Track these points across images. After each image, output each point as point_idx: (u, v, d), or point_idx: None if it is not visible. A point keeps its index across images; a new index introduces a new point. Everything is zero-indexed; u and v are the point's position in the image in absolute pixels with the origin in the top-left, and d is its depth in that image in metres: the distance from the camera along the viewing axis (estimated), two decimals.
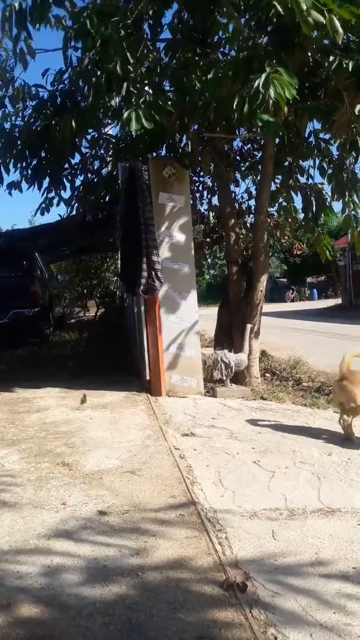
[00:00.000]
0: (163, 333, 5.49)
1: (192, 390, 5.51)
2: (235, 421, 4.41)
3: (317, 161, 5.99)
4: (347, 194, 5.68)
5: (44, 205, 6.57)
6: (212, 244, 8.12)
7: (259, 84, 3.86)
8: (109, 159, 6.76)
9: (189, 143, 5.63)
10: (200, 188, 7.58)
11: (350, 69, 4.41)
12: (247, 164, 7.04)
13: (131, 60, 4.43)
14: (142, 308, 5.62)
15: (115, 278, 15.13)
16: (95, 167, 6.96)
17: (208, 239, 7.97)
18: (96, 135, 6.52)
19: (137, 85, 4.50)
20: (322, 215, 6.27)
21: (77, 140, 6.02)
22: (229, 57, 4.95)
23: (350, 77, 4.58)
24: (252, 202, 7.20)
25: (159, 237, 5.42)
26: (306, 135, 5.89)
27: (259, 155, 6.66)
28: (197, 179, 7.44)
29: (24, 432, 4.29)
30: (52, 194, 6.49)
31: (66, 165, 6.55)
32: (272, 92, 3.84)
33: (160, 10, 5.16)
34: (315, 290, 30.95)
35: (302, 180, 6.31)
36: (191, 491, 2.92)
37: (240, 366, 5.60)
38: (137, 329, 6.39)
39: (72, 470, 3.35)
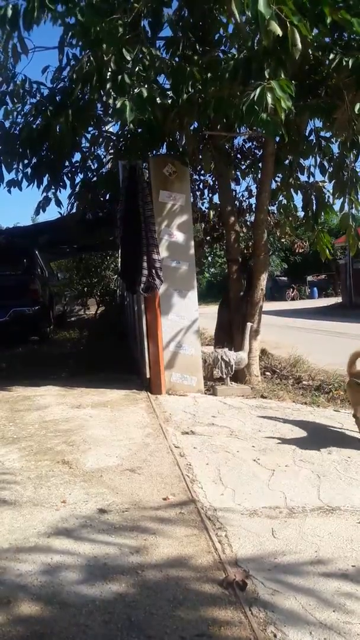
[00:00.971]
0: (163, 331, 5.49)
1: (192, 389, 5.52)
2: (235, 419, 4.41)
3: (318, 159, 5.99)
4: (347, 192, 5.68)
5: (42, 203, 6.56)
6: (213, 242, 8.12)
7: (253, 97, 3.86)
8: (109, 157, 6.76)
9: (188, 141, 5.62)
10: (200, 186, 7.58)
11: (350, 67, 4.40)
12: (247, 162, 7.04)
13: (128, 58, 4.42)
14: (142, 306, 5.62)
15: (116, 276, 15.13)
16: (96, 165, 6.96)
17: (208, 237, 7.97)
18: (96, 134, 6.51)
19: (133, 78, 4.48)
20: (322, 213, 6.26)
21: (77, 138, 6.02)
22: (229, 55, 4.94)
23: (350, 75, 4.58)
24: (253, 201, 7.21)
25: (159, 235, 5.42)
26: (307, 134, 5.88)
27: (260, 153, 6.66)
28: (197, 177, 7.44)
29: (24, 430, 4.29)
30: (51, 192, 6.49)
31: (67, 163, 6.56)
32: (269, 98, 3.84)
33: (160, 8, 5.15)
34: (315, 289, 30.91)
35: (303, 178, 6.32)
36: (191, 489, 2.93)
37: (240, 364, 5.61)
38: (137, 327, 6.39)
39: (72, 468, 3.36)
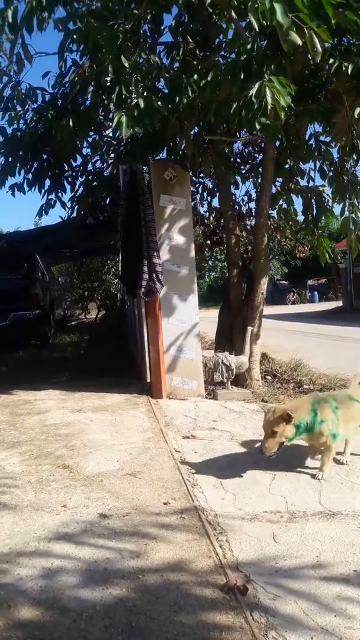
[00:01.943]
0: (163, 335, 5.49)
1: (193, 393, 5.51)
2: (236, 424, 4.40)
3: (318, 164, 6.00)
4: (347, 196, 5.69)
5: (45, 206, 6.58)
6: (213, 246, 8.14)
7: (252, 94, 3.88)
8: (110, 161, 6.78)
9: (190, 146, 5.63)
10: (200, 190, 7.60)
11: (350, 72, 4.42)
12: (247, 166, 7.06)
13: (126, 64, 4.44)
14: (143, 310, 5.62)
15: (116, 280, 15.14)
16: (97, 169, 6.99)
17: (208, 241, 7.99)
18: (97, 138, 6.54)
19: (131, 88, 4.50)
20: (323, 217, 6.27)
21: (77, 142, 6.05)
22: (228, 59, 4.96)
23: (350, 80, 4.60)
24: (253, 205, 7.22)
25: (160, 239, 5.42)
26: (307, 138, 5.90)
27: (260, 157, 6.68)
28: (197, 180, 7.46)
29: (24, 435, 4.29)
30: (53, 196, 6.51)
31: (68, 168, 6.58)
32: (269, 98, 3.85)
33: (160, 13, 5.17)
34: (316, 293, 30.93)
35: (303, 182, 6.33)
36: (192, 494, 2.92)
37: (241, 369, 5.60)
38: (138, 331, 6.40)
39: (72, 472, 3.35)
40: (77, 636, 1.76)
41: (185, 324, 5.56)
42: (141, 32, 4.89)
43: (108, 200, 7.09)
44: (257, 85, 3.89)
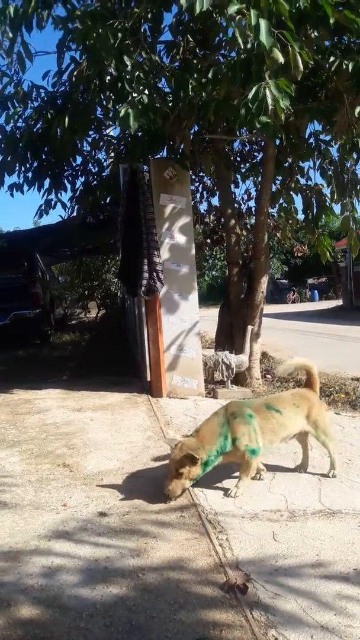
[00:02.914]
0: (164, 334, 5.49)
1: (193, 392, 5.51)
2: None
3: (318, 162, 5.99)
4: (347, 195, 5.69)
5: (43, 207, 6.58)
6: (213, 245, 8.13)
7: (249, 98, 3.88)
8: (109, 160, 6.78)
9: (188, 144, 5.63)
10: (200, 188, 7.60)
11: (350, 71, 4.42)
12: (247, 165, 7.05)
13: (127, 63, 4.44)
14: (143, 309, 5.62)
15: (116, 279, 15.14)
16: (96, 169, 6.98)
17: (209, 240, 7.98)
18: (97, 137, 6.53)
19: (133, 84, 4.50)
20: (323, 216, 6.27)
21: (77, 141, 6.04)
22: (229, 58, 4.95)
23: (350, 79, 4.59)
24: (252, 203, 7.22)
25: (160, 238, 5.42)
26: (307, 137, 5.89)
27: (260, 156, 6.68)
28: (197, 179, 7.45)
29: (24, 434, 4.29)
30: (52, 196, 6.51)
31: (67, 167, 6.58)
32: (269, 99, 3.85)
33: (160, 12, 5.16)
34: (316, 292, 30.90)
35: (303, 181, 6.32)
36: (192, 493, 2.92)
37: (241, 367, 5.60)
38: (138, 330, 6.39)
39: (72, 471, 3.35)
40: (78, 635, 1.76)
41: (185, 322, 5.56)
42: (142, 31, 4.87)
43: (108, 199, 7.09)
44: (254, 89, 3.89)
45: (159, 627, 1.78)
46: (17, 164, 6.08)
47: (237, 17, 3.72)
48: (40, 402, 5.43)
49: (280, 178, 6.33)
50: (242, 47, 3.82)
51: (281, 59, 3.72)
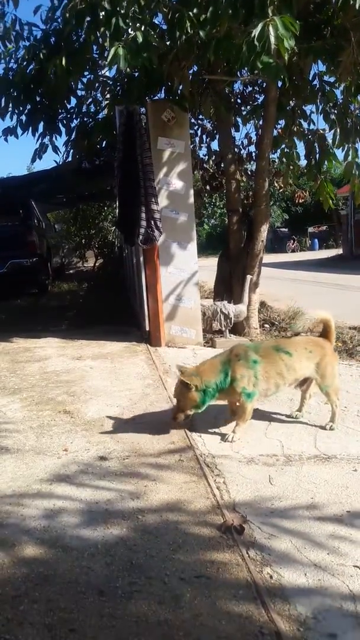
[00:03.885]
0: (162, 284, 5.46)
1: (191, 341, 5.54)
2: None
3: (321, 106, 5.78)
4: (350, 140, 5.52)
5: (39, 150, 6.39)
6: (212, 191, 7.96)
7: (254, 36, 3.68)
8: (105, 102, 6.53)
9: (187, 84, 5.40)
10: (199, 132, 7.36)
11: (357, 6, 4.18)
12: (248, 107, 6.81)
13: None
14: (141, 259, 5.56)
15: (114, 228, 14.94)
16: (92, 111, 6.73)
17: (208, 187, 7.80)
18: (92, 78, 6.26)
19: (128, 21, 4.27)
20: (325, 162, 6.10)
21: (72, 82, 5.80)
22: None
23: (357, 15, 4.36)
24: (253, 149, 7.01)
25: (158, 185, 5.29)
26: (310, 78, 5.66)
27: (261, 98, 6.43)
28: (196, 122, 7.21)
29: (25, 381, 4.33)
30: (47, 140, 6.30)
31: (62, 109, 6.34)
32: (272, 38, 3.66)
33: None
34: (316, 240, 30.59)
35: (305, 125, 6.13)
36: (190, 438, 2.98)
37: (239, 317, 5.61)
38: (136, 279, 6.36)
39: (73, 417, 3.41)
40: (80, 572, 1.83)
41: (184, 272, 5.52)
42: None
43: (104, 143, 6.87)
44: (259, 27, 3.69)
45: (158, 565, 1.85)
46: (11, 107, 5.87)
47: None
48: (40, 351, 5.46)
49: (282, 122, 6.13)
50: None
51: None
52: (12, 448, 2.95)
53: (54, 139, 6.32)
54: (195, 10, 4.43)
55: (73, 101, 6.39)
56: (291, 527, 2.07)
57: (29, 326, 6.89)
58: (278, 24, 3.65)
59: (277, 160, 6.94)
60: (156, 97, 5.75)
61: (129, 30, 4.27)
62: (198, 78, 5.71)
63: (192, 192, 5.53)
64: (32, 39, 5.70)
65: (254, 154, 6.85)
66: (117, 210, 6.09)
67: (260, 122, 6.10)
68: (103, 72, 6.61)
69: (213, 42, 4.48)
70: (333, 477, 2.47)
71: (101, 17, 4.47)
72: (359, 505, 2.20)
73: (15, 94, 5.77)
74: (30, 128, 6.08)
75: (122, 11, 4.30)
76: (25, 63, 5.64)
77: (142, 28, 4.32)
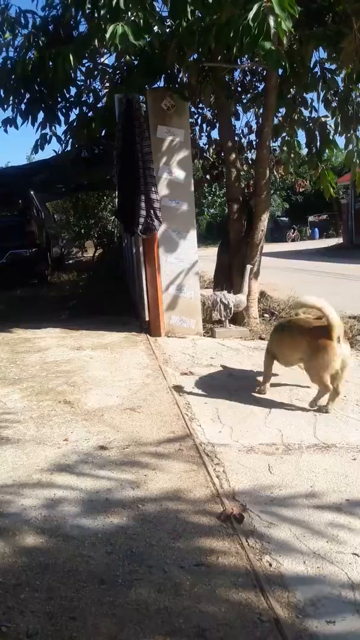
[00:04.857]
0: (162, 274, 5.45)
1: (191, 331, 5.54)
2: (233, 360, 4.45)
3: (322, 93, 5.73)
4: (352, 128, 5.48)
5: (40, 141, 6.35)
6: (212, 180, 7.91)
7: (249, 18, 3.63)
8: (105, 90, 6.47)
9: (192, 72, 5.35)
10: (199, 121, 7.30)
11: None
12: (249, 95, 6.75)
13: None
14: (141, 248, 5.54)
15: (113, 217, 14.87)
16: (91, 100, 6.67)
17: (208, 176, 7.75)
18: (91, 66, 6.20)
19: (128, 2, 4.21)
20: (326, 150, 6.06)
21: (71, 71, 5.74)
22: None
23: (359, 1, 4.30)
24: (254, 137, 6.96)
25: (157, 174, 5.26)
26: (311, 66, 5.59)
27: (262, 86, 6.37)
28: (196, 111, 7.15)
29: (25, 372, 4.34)
30: (47, 130, 6.26)
31: (61, 99, 6.28)
32: (272, 21, 3.61)
33: None
34: (316, 230, 30.44)
35: (306, 114, 6.07)
36: (190, 427, 2.99)
37: (239, 307, 5.60)
38: (136, 269, 6.34)
39: (73, 407, 3.41)
40: (81, 561, 1.84)
41: (184, 262, 5.50)
42: None
43: (104, 132, 6.82)
44: (255, 7, 3.63)
45: (158, 554, 1.86)
46: (11, 97, 5.82)
47: None
48: (39, 341, 5.46)
49: (282, 110, 6.07)
50: None
51: None
52: (12, 438, 2.96)
53: (54, 128, 6.29)
54: None
55: (72, 90, 6.34)
56: (290, 516, 2.08)
57: (29, 317, 6.88)
58: (274, 4, 3.59)
59: (278, 149, 6.89)
60: (156, 86, 5.70)
61: (129, 13, 4.21)
62: (198, 66, 5.65)
63: (192, 181, 5.50)
64: (31, 27, 5.64)
65: (254, 143, 6.80)
66: (116, 200, 6.04)
67: (261, 111, 6.05)
68: (103, 59, 6.55)
69: (214, 29, 4.43)
70: (332, 466, 2.48)
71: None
72: (358, 494, 2.21)
73: (14, 83, 5.72)
74: (30, 117, 6.04)
75: None
76: (24, 51, 5.58)
77: (141, 13, 4.25)
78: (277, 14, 3.58)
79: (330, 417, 3.10)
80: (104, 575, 1.75)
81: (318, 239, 28.67)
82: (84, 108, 6.58)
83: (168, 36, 4.77)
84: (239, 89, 6.85)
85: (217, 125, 6.55)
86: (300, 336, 3.29)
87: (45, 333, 5.85)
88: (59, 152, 7.42)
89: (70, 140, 6.71)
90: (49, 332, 5.88)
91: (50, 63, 5.06)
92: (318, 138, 5.95)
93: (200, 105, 6.89)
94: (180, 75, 5.36)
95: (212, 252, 7.27)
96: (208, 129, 7.30)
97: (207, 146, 7.44)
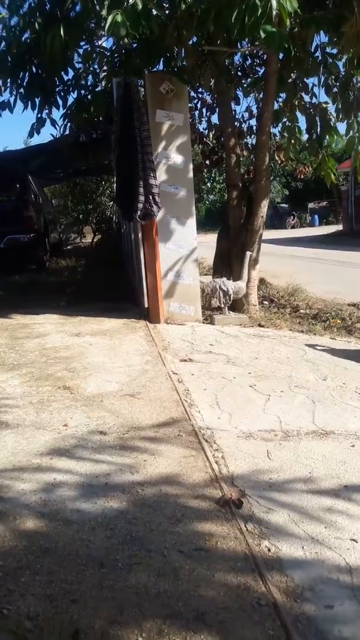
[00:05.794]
0: (161, 260, 5.42)
1: (190, 318, 5.53)
2: (233, 347, 4.46)
3: (323, 78, 5.67)
4: (353, 114, 5.43)
5: (36, 125, 6.29)
6: (212, 166, 7.86)
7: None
8: (103, 74, 6.39)
9: (187, 56, 5.28)
10: (199, 105, 7.23)
11: None
12: (249, 80, 6.68)
13: None
14: (139, 235, 5.52)
15: (111, 202, 14.79)
16: (89, 83, 6.60)
17: (207, 161, 7.70)
18: (89, 49, 6.11)
19: None
20: (327, 136, 6.01)
21: (68, 53, 5.66)
22: None
23: None
24: (254, 122, 6.91)
25: (156, 159, 5.22)
26: (312, 50, 5.53)
27: (262, 71, 6.30)
28: (195, 95, 7.08)
29: (24, 357, 4.34)
30: (45, 114, 6.20)
31: (59, 82, 6.21)
32: (274, 2, 3.55)
33: None
34: (316, 216, 30.37)
35: (307, 99, 6.02)
36: (189, 413, 2.99)
37: (238, 294, 5.60)
38: (135, 256, 6.32)
39: (73, 393, 3.42)
40: (81, 545, 1.85)
41: (183, 249, 5.48)
42: None
43: (102, 116, 6.75)
44: None
45: (158, 538, 1.88)
46: (7, 79, 5.74)
47: None
48: (38, 327, 5.45)
49: (283, 95, 6.01)
50: None
51: None
52: (12, 423, 2.97)
53: (51, 112, 6.23)
54: None
55: (70, 73, 6.27)
56: (289, 501, 2.09)
57: (27, 302, 6.87)
58: None
59: (278, 134, 6.84)
60: (155, 70, 5.63)
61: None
62: (197, 49, 5.58)
63: (191, 166, 5.46)
64: (27, 7, 5.55)
65: (254, 128, 6.75)
66: (115, 185, 6.00)
67: (261, 95, 5.99)
68: (100, 42, 6.46)
69: (213, 12, 4.37)
70: (331, 453, 2.49)
71: None
72: (356, 480, 2.23)
73: (10, 65, 5.64)
74: (29, 101, 5.98)
75: None
76: (19, 32, 5.50)
77: None
78: None
79: (329, 404, 3.11)
80: (104, 559, 1.77)
81: (318, 225, 28.61)
82: (82, 91, 6.52)
83: (167, 18, 4.70)
84: (239, 73, 6.78)
85: (217, 110, 6.49)
86: None
87: (44, 319, 5.84)
88: (57, 137, 7.36)
89: (68, 124, 6.66)
90: (47, 318, 5.87)
91: (48, 46, 4.98)
92: (319, 124, 5.90)
93: (200, 89, 6.83)
94: (181, 58, 5.29)
95: (212, 238, 7.24)
96: (208, 113, 7.25)
97: (206, 131, 7.39)
